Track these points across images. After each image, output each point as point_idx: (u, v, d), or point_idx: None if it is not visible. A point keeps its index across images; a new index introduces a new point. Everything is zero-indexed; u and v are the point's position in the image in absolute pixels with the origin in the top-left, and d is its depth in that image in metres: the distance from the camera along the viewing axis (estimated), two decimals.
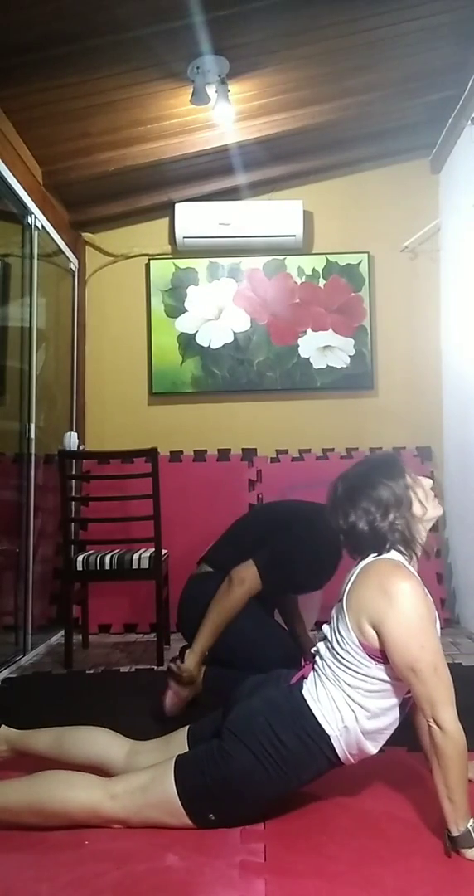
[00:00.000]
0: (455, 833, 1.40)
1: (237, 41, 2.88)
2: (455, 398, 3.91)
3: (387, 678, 1.53)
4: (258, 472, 4.05)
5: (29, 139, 3.32)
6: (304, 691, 1.59)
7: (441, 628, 1.62)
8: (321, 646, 1.65)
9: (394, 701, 1.55)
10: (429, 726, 1.43)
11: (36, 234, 3.49)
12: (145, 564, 3.13)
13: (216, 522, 3.75)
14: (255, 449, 4.12)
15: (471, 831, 1.39)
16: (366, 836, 1.49)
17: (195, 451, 4.12)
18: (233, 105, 3.17)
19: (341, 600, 1.61)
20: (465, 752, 1.43)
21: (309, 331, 4.17)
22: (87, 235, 4.22)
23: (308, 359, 4.16)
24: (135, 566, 3.13)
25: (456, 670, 2.36)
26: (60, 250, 3.90)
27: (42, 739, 1.75)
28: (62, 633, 3.37)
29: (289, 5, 2.72)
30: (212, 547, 2.58)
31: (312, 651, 1.68)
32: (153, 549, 3.14)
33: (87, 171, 3.65)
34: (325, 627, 1.66)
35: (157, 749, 1.71)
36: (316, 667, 1.63)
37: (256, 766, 1.51)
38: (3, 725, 1.81)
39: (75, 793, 1.53)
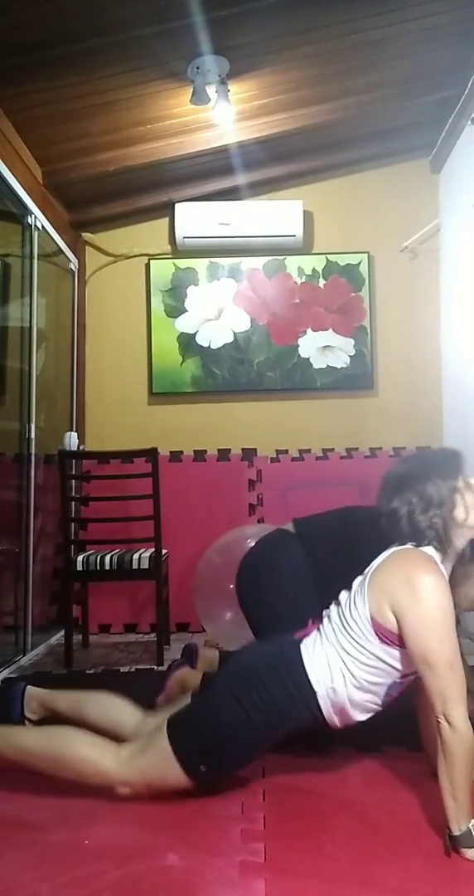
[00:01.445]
0: (456, 832, 1.40)
1: (237, 41, 2.88)
2: (455, 398, 3.91)
3: (385, 659, 1.57)
4: (258, 472, 4.05)
5: (29, 139, 3.32)
6: (302, 646, 1.65)
7: None
8: (333, 609, 1.69)
9: (384, 682, 1.60)
10: (438, 722, 1.44)
11: (36, 234, 3.49)
12: (145, 564, 3.13)
13: (216, 522, 3.78)
14: (255, 449, 4.12)
15: (472, 830, 1.40)
16: (366, 836, 1.49)
17: (195, 451, 4.12)
18: (233, 105, 3.17)
19: (365, 575, 1.64)
20: (472, 752, 1.43)
21: (309, 331, 4.17)
22: (87, 235, 4.22)
23: (308, 359, 4.16)
24: (135, 566, 3.13)
25: None
26: (60, 250, 3.90)
27: (64, 699, 1.92)
28: (62, 633, 3.37)
29: (289, 5, 2.72)
30: (312, 518, 2.44)
31: (324, 613, 1.72)
32: (153, 549, 3.14)
33: (87, 171, 3.65)
34: (343, 594, 1.69)
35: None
36: (321, 628, 1.68)
37: (240, 713, 1.59)
38: (28, 686, 1.98)
39: (89, 750, 1.65)
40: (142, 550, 3.17)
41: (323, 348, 4.16)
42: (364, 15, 2.86)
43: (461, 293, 3.76)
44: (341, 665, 1.60)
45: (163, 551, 3.24)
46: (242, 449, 4.11)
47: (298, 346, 4.16)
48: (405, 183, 4.21)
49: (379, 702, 1.63)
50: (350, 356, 4.16)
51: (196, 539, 3.68)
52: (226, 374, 4.16)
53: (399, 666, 1.57)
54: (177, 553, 3.63)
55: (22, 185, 3.25)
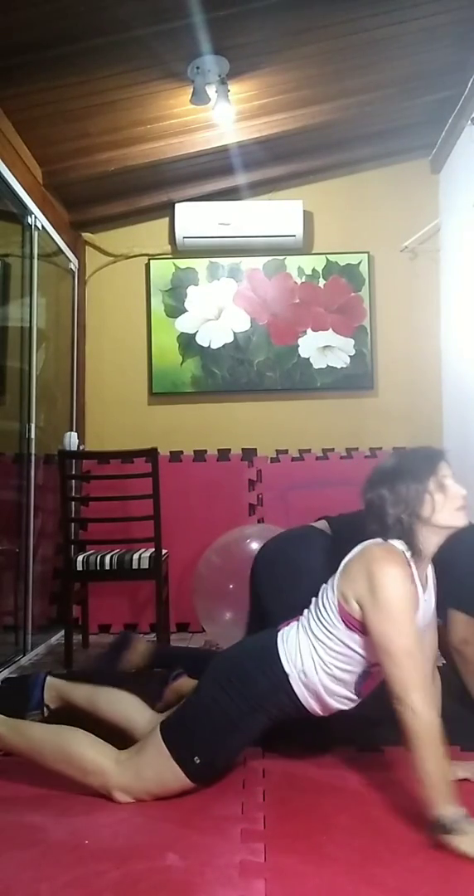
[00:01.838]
0: (439, 817, 1.40)
1: (237, 41, 2.88)
2: (455, 398, 3.91)
3: (350, 645, 1.62)
4: (258, 472, 4.05)
5: (29, 139, 3.32)
6: (280, 633, 1.73)
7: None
8: (313, 600, 1.75)
9: (353, 670, 1.65)
10: (401, 712, 1.48)
11: (36, 234, 3.49)
12: (145, 564, 3.13)
13: (216, 522, 3.78)
14: (255, 449, 4.12)
15: (454, 817, 1.39)
16: (366, 836, 1.49)
17: (195, 451, 4.12)
18: (233, 105, 3.17)
19: (340, 565, 1.70)
20: (438, 735, 1.46)
21: (309, 331, 4.17)
22: (87, 235, 4.22)
23: (308, 359, 4.16)
24: (135, 566, 3.13)
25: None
26: (60, 250, 3.90)
27: (81, 691, 1.99)
28: (62, 633, 3.37)
29: (289, 5, 2.72)
30: (347, 517, 2.38)
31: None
32: (153, 549, 3.14)
33: (87, 171, 3.65)
34: (323, 585, 1.75)
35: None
36: (300, 618, 1.75)
37: (226, 701, 1.65)
38: (49, 676, 2.06)
39: (92, 750, 1.70)
40: (142, 550, 3.17)
41: (323, 348, 4.16)
42: (364, 15, 2.86)
43: (461, 293, 3.76)
44: (311, 650, 1.66)
45: (163, 551, 3.24)
46: (242, 449, 4.11)
47: (298, 346, 4.16)
48: (405, 183, 4.21)
49: (353, 691, 1.68)
50: (350, 356, 4.16)
51: (196, 539, 3.68)
52: (226, 374, 4.16)
53: (363, 653, 1.62)
54: (177, 553, 3.64)
55: (22, 185, 3.25)
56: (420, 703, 1.46)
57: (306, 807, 1.65)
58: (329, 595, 1.68)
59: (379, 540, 1.67)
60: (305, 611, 1.77)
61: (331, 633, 1.64)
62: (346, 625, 1.62)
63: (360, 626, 1.60)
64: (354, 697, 1.70)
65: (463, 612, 2.10)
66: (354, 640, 1.62)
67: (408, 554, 1.64)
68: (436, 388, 4.12)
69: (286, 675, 1.66)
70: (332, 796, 1.70)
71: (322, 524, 2.34)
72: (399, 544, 1.65)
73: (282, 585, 2.16)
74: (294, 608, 2.00)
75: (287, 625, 1.77)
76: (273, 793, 1.73)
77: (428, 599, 1.71)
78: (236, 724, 1.67)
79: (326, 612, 1.67)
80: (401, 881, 1.34)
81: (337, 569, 2.10)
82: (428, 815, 1.43)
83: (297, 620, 1.76)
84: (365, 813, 1.60)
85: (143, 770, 1.65)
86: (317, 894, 1.30)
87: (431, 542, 1.66)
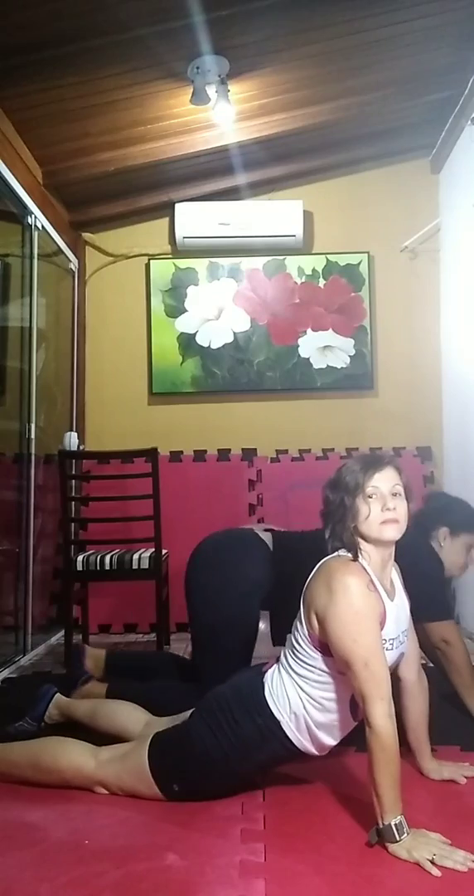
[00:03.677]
0: (380, 825, 1.43)
1: (237, 41, 2.88)
2: (455, 398, 3.91)
3: (330, 671, 1.58)
4: (258, 472, 4.05)
5: (29, 139, 3.32)
6: (265, 678, 1.68)
7: None
8: (289, 637, 1.72)
9: (340, 697, 1.60)
10: (366, 723, 1.47)
11: (36, 234, 3.49)
12: (145, 564, 3.13)
13: (216, 522, 3.76)
14: (255, 449, 4.12)
15: (393, 827, 1.41)
16: (366, 836, 1.49)
17: (195, 451, 4.12)
18: (233, 105, 3.17)
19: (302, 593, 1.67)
20: (393, 749, 1.45)
21: (309, 331, 4.17)
22: (87, 235, 4.22)
23: (308, 359, 4.16)
24: (135, 566, 3.13)
25: None
26: (60, 250, 3.90)
27: (82, 708, 2.05)
28: (62, 633, 3.37)
29: (289, 5, 2.72)
30: (292, 534, 2.43)
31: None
32: (153, 549, 3.14)
33: (87, 171, 3.65)
34: (295, 622, 1.71)
35: (170, 724, 1.79)
36: (279, 657, 1.71)
37: (213, 742, 1.62)
38: (57, 692, 2.11)
39: (67, 753, 1.74)
40: (142, 550, 3.17)
41: (323, 348, 4.16)
42: (364, 15, 2.86)
43: (461, 293, 3.76)
44: (296, 688, 1.61)
45: (163, 551, 3.23)
46: (242, 449, 4.11)
47: (298, 346, 4.16)
48: (405, 183, 4.21)
49: (348, 717, 1.63)
50: (350, 356, 4.16)
51: (196, 539, 3.64)
52: (226, 374, 4.16)
53: (345, 679, 1.57)
54: (177, 553, 3.62)
55: (22, 185, 3.25)
56: (377, 716, 1.44)
57: (306, 807, 1.65)
58: (299, 627, 1.64)
59: (335, 554, 1.64)
60: (283, 650, 1.72)
61: (309, 665, 1.60)
62: (322, 651, 1.58)
63: (326, 651, 1.58)
64: (352, 723, 1.65)
65: (433, 620, 2.13)
66: (333, 665, 1.58)
67: (364, 562, 1.61)
68: (436, 388, 4.12)
69: (277, 722, 1.61)
70: (332, 796, 1.70)
71: (267, 536, 2.36)
72: (345, 553, 1.63)
73: (213, 582, 2.20)
74: (218, 600, 2.12)
75: (269, 667, 1.72)
76: (273, 793, 1.73)
77: (399, 605, 1.68)
78: (222, 768, 1.64)
79: (300, 644, 1.62)
80: (401, 881, 1.34)
81: (268, 581, 2.11)
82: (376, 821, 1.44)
83: (277, 662, 1.72)
84: (365, 813, 1.60)
85: (123, 776, 1.68)
86: (316, 894, 1.30)
87: (373, 552, 1.62)
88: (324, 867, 1.39)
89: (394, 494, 1.60)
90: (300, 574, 1.84)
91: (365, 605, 1.53)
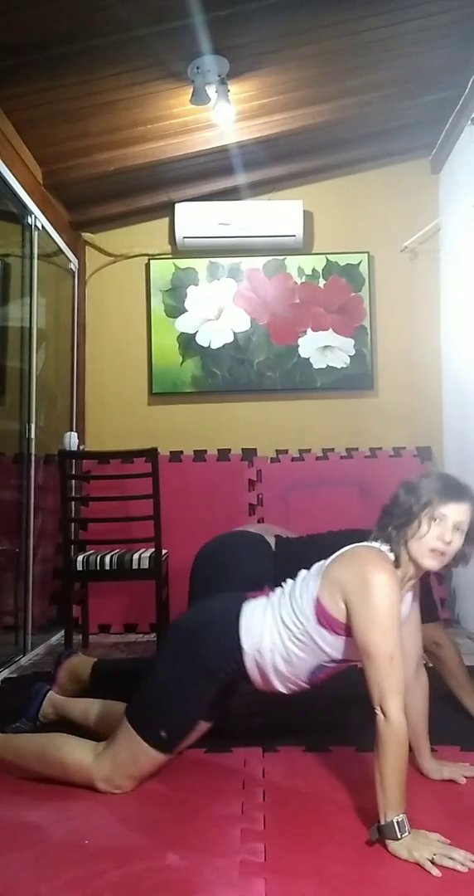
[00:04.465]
0: (382, 822, 1.43)
1: (237, 41, 2.88)
2: (455, 398, 3.91)
3: (316, 640, 1.63)
4: (258, 472, 4.05)
5: (29, 139, 3.32)
6: (246, 603, 1.75)
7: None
8: (289, 583, 1.77)
9: (310, 660, 1.66)
10: (375, 714, 1.49)
11: (36, 234, 3.49)
12: (145, 564, 3.13)
13: (216, 522, 3.76)
14: (255, 449, 4.12)
15: (395, 824, 1.42)
16: (366, 836, 1.49)
17: (195, 451, 4.12)
18: (233, 105, 3.17)
19: (325, 562, 1.70)
20: (405, 744, 1.47)
21: (309, 331, 4.17)
22: (87, 235, 4.22)
23: (308, 359, 4.16)
24: (135, 566, 3.13)
25: None
26: (60, 250, 3.90)
27: (77, 708, 2.06)
28: (62, 633, 3.37)
29: (289, 5, 2.72)
30: (295, 540, 2.45)
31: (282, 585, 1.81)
32: (153, 549, 3.14)
33: (87, 171, 3.65)
34: (302, 572, 1.76)
35: None
36: (271, 595, 1.77)
37: (178, 668, 1.69)
38: (50, 690, 2.13)
39: (71, 747, 1.76)
40: (142, 550, 3.17)
41: (323, 348, 4.16)
42: (364, 15, 2.86)
43: (461, 293, 3.76)
44: (275, 634, 1.67)
45: (163, 551, 3.24)
46: (242, 449, 4.11)
47: (298, 346, 4.16)
48: (405, 183, 4.21)
49: (304, 679, 1.70)
50: (350, 356, 4.16)
51: (196, 539, 3.64)
52: (226, 374, 4.16)
53: (328, 650, 1.64)
54: (177, 553, 3.62)
55: (22, 185, 3.25)
56: (394, 710, 1.47)
57: (306, 807, 1.65)
58: (309, 586, 1.67)
59: (367, 543, 1.67)
60: (277, 590, 1.78)
61: (300, 623, 1.64)
62: (319, 620, 1.61)
63: (336, 627, 1.60)
64: (304, 685, 1.73)
65: (424, 623, 2.13)
66: (322, 636, 1.62)
67: (393, 557, 1.64)
68: (436, 388, 4.12)
69: (241, 649, 1.68)
70: (332, 796, 1.70)
71: (270, 539, 2.37)
72: (386, 549, 1.64)
73: (215, 587, 2.15)
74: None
75: (254, 597, 1.78)
76: (273, 793, 1.73)
77: (407, 601, 1.71)
78: (191, 689, 1.70)
79: (301, 601, 1.66)
80: (401, 881, 1.34)
81: (270, 584, 2.13)
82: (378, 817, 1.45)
83: (267, 596, 1.77)
84: (365, 813, 1.60)
85: (118, 756, 1.70)
86: (316, 894, 1.30)
87: (407, 566, 1.64)
88: (324, 867, 1.39)
89: (457, 529, 1.60)
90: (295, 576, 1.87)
91: (397, 603, 1.56)
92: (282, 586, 1.80)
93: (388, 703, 1.47)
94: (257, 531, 2.51)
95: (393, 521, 1.63)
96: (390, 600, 1.54)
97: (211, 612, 1.79)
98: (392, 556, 1.63)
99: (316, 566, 1.73)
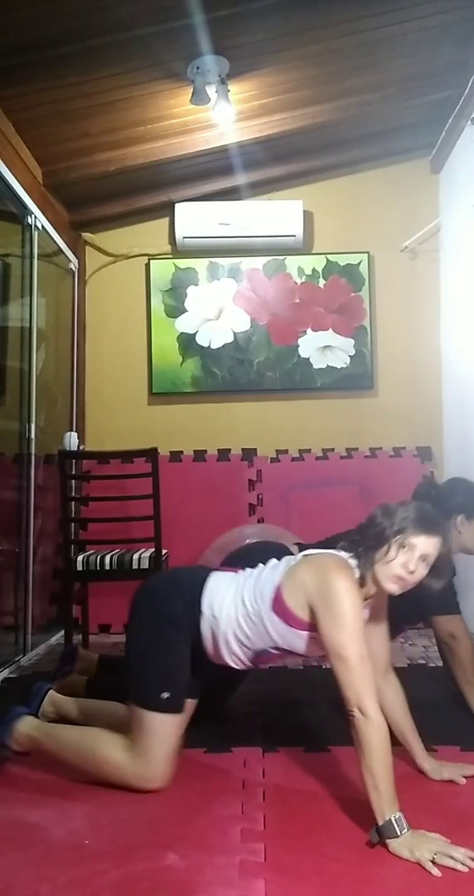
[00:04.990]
0: (380, 822, 1.44)
1: (237, 41, 2.88)
2: (455, 398, 3.91)
3: (267, 625, 1.70)
4: (258, 472, 4.05)
5: (29, 139, 3.32)
6: (212, 575, 1.83)
7: None
8: (261, 564, 1.85)
9: (257, 643, 1.74)
10: (353, 716, 1.51)
11: (36, 234, 3.49)
12: (145, 564, 3.13)
13: (216, 522, 3.78)
14: (255, 449, 4.12)
15: (394, 822, 1.43)
16: (366, 836, 1.49)
17: (195, 451, 4.12)
18: (233, 105, 3.17)
19: (294, 558, 1.78)
20: (388, 740, 1.50)
21: (309, 331, 4.17)
22: (87, 235, 4.22)
23: (308, 359, 4.16)
24: (135, 566, 3.13)
25: None
26: (60, 250, 3.90)
27: (79, 708, 2.07)
28: (62, 633, 3.37)
29: (289, 5, 2.72)
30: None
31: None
32: (153, 549, 3.14)
33: (87, 171, 3.64)
34: (273, 560, 1.83)
35: None
36: (240, 571, 1.85)
37: (151, 630, 1.76)
38: (51, 689, 2.13)
39: (113, 749, 1.75)
40: (143, 550, 3.17)
41: (323, 348, 4.16)
42: (364, 15, 2.86)
43: (461, 293, 3.76)
44: (233, 610, 1.74)
45: (164, 551, 3.24)
46: (242, 449, 4.11)
47: (298, 346, 4.16)
48: (405, 183, 4.21)
49: (250, 658, 1.78)
50: (350, 356, 4.16)
51: (196, 539, 3.68)
52: (226, 374, 4.16)
53: (275, 636, 1.71)
54: (177, 553, 3.63)
55: (22, 185, 3.25)
56: (372, 707, 1.50)
57: (306, 807, 1.65)
58: (274, 575, 1.74)
59: (334, 552, 1.73)
60: (248, 570, 1.84)
61: (256, 605, 1.72)
62: (274, 607, 1.69)
63: (288, 616, 1.67)
64: (248, 664, 1.79)
65: (440, 614, 2.20)
66: (273, 622, 1.69)
67: (356, 573, 1.68)
68: (436, 388, 4.12)
69: (200, 613, 1.75)
70: (332, 796, 1.70)
71: (294, 549, 2.36)
72: (349, 558, 1.70)
73: None
74: None
75: (223, 571, 1.88)
76: (273, 793, 1.73)
77: (364, 614, 1.74)
78: (166, 641, 1.76)
79: (263, 585, 1.74)
80: (401, 881, 1.34)
81: None
82: (375, 819, 1.45)
83: (235, 572, 1.84)
84: (365, 813, 1.60)
85: (142, 740, 1.71)
86: (316, 894, 1.30)
87: (372, 586, 1.69)
88: (324, 867, 1.39)
89: (423, 560, 1.65)
90: None
91: (360, 607, 1.63)
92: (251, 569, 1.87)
93: (365, 701, 1.50)
94: (264, 536, 2.51)
95: (365, 541, 1.69)
96: (354, 604, 1.60)
97: (178, 575, 1.94)
98: (357, 571, 1.68)
99: (285, 559, 1.81)
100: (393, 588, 1.66)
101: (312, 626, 1.66)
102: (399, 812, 1.44)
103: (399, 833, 1.42)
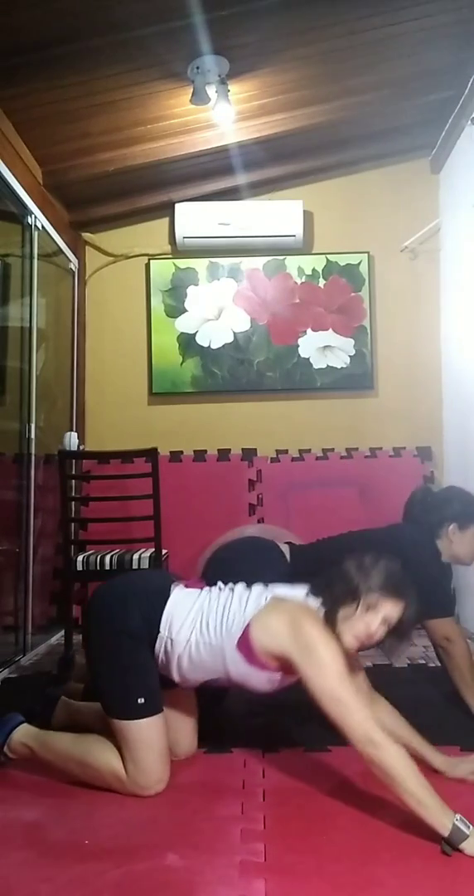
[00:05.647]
0: (445, 833, 1.40)
1: (237, 41, 2.88)
2: (455, 398, 3.91)
3: (226, 657, 1.69)
4: (258, 472, 4.05)
5: (29, 139, 3.32)
6: (178, 587, 1.82)
7: None
8: (229, 588, 1.83)
9: (210, 671, 1.73)
10: (366, 754, 1.49)
11: (36, 234, 3.49)
12: (145, 564, 3.13)
13: (216, 522, 3.78)
14: (255, 449, 4.12)
15: (458, 825, 1.40)
16: (366, 836, 1.49)
17: (195, 451, 4.12)
18: (233, 105, 3.17)
19: (265, 596, 1.76)
20: (407, 755, 1.49)
21: (309, 331, 4.17)
22: (87, 235, 4.22)
23: (308, 359, 4.16)
24: (135, 566, 3.12)
25: None
26: (60, 250, 3.90)
27: (91, 712, 2.01)
28: (62, 633, 3.37)
29: (289, 5, 2.72)
30: (307, 548, 2.46)
31: (220, 584, 1.86)
32: (153, 549, 3.14)
33: (87, 171, 3.65)
34: (240, 588, 1.81)
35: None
36: (208, 590, 1.83)
37: (112, 641, 1.74)
38: (63, 697, 2.11)
39: (115, 759, 1.72)
40: (142, 550, 3.17)
41: (323, 348, 4.16)
42: (364, 15, 2.86)
43: (461, 293, 3.76)
44: (191, 634, 1.72)
45: (164, 551, 3.23)
46: (242, 449, 4.11)
47: (298, 346, 4.16)
48: (405, 183, 4.21)
49: (197, 680, 1.77)
50: (350, 356, 4.16)
51: (196, 539, 3.68)
52: (226, 374, 4.16)
53: (231, 670, 1.70)
54: (177, 553, 3.63)
55: (22, 185, 3.25)
56: (380, 736, 1.49)
57: (306, 807, 1.65)
58: (245, 609, 1.72)
59: (300, 600, 1.72)
60: (213, 589, 1.82)
61: (221, 640, 1.70)
62: (239, 646, 1.67)
63: (252, 658, 1.66)
64: (195, 685, 1.79)
65: (433, 618, 2.19)
66: (235, 660, 1.68)
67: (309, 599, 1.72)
68: (436, 387, 4.12)
69: (157, 631, 1.74)
70: (332, 796, 1.70)
71: (285, 548, 2.37)
72: (316, 604, 1.70)
73: None
74: None
75: (188, 587, 1.85)
76: (273, 793, 1.73)
77: None
78: (132, 648, 1.74)
79: (231, 619, 1.71)
80: (401, 881, 1.34)
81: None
82: (438, 833, 1.42)
83: (201, 589, 1.84)
84: (365, 813, 1.60)
85: (131, 752, 1.69)
86: (316, 894, 1.30)
87: (343, 639, 1.68)
88: (324, 867, 1.39)
89: (385, 623, 1.67)
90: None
91: (336, 644, 1.63)
92: (218, 586, 1.84)
93: (372, 732, 1.49)
94: (261, 535, 2.50)
95: (333, 592, 1.69)
96: (332, 647, 1.60)
97: (134, 585, 1.87)
98: (321, 617, 1.68)
99: (256, 590, 1.78)
100: (353, 645, 1.67)
101: (274, 669, 1.67)
102: (457, 814, 1.42)
103: (468, 833, 1.40)
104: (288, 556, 2.33)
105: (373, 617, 1.65)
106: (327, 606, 1.68)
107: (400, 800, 1.46)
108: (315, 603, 1.71)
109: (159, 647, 1.75)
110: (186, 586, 1.87)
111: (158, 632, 1.74)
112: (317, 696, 1.57)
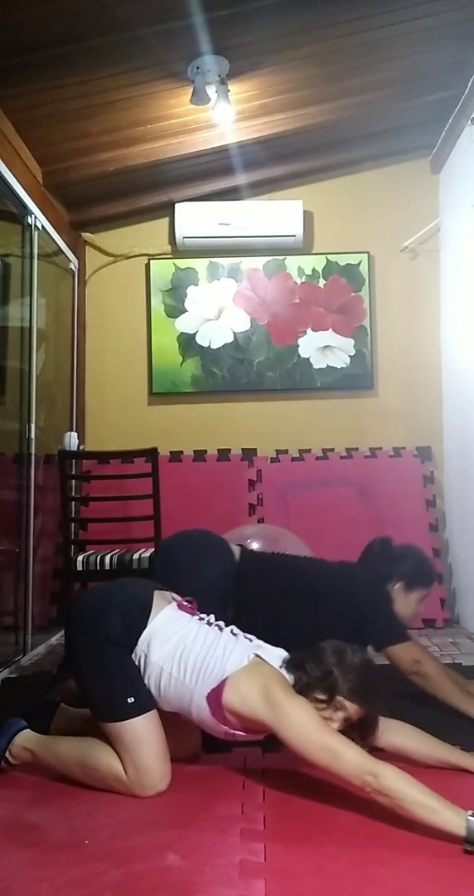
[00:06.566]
0: (462, 833, 1.39)
1: (237, 41, 2.88)
2: (455, 398, 3.91)
3: (193, 698, 1.68)
4: (258, 472, 4.05)
5: (29, 139, 3.32)
6: (170, 608, 1.81)
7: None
8: (219, 625, 1.82)
9: (174, 704, 1.73)
10: (371, 790, 1.47)
11: (36, 234, 3.49)
12: (145, 564, 3.12)
13: (216, 522, 3.75)
14: (255, 449, 4.12)
15: (471, 821, 1.39)
16: (366, 836, 1.49)
17: (195, 451, 4.12)
18: (233, 105, 3.17)
19: (250, 645, 1.75)
20: (404, 773, 1.47)
21: (309, 331, 4.17)
22: (87, 235, 4.22)
23: (308, 359, 4.16)
24: (135, 566, 3.12)
25: (456, 670, 2.36)
26: (60, 250, 3.90)
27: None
28: (62, 633, 3.37)
29: (289, 5, 2.72)
30: (259, 557, 2.47)
31: (214, 620, 1.84)
32: (153, 549, 3.14)
33: (87, 171, 3.65)
34: (229, 635, 1.78)
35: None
36: (201, 621, 1.81)
37: (97, 646, 1.74)
38: (62, 703, 2.07)
39: (115, 760, 1.71)
40: (142, 550, 3.17)
41: (323, 348, 4.16)
42: (364, 15, 2.86)
43: (461, 293, 3.76)
44: (166, 663, 1.72)
45: None
46: (242, 449, 4.11)
47: (298, 346, 4.16)
48: (405, 183, 4.21)
49: (160, 704, 1.74)
50: (350, 356, 4.16)
51: None
52: (226, 374, 4.16)
53: (194, 712, 1.70)
54: None
55: (22, 185, 3.25)
56: (375, 766, 1.48)
57: (306, 807, 1.65)
58: (222, 668, 1.69)
59: (274, 668, 1.69)
60: (204, 626, 1.80)
61: (193, 684, 1.68)
62: (208, 699, 1.66)
63: (219, 713, 1.65)
64: (157, 706, 1.75)
65: (395, 644, 2.14)
66: (200, 707, 1.67)
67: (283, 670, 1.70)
68: (436, 387, 4.12)
69: (136, 644, 1.74)
70: (332, 796, 1.70)
71: (236, 549, 2.36)
72: (290, 679, 1.69)
73: (180, 585, 2.08)
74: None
75: (182, 607, 1.85)
76: (273, 793, 1.72)
77: None
78: (115, 653, 1.74)
79: (210, 667, 1.69)
80: (401, 881, 1.34)
81: (227, 592, 2.14)
82: (455, 834, 1.41)
83: (191, 615, 1.83)
84: (365, 813, 1.60)
85: (128, 753, 1.68)
86: (316, 894, 1.30)
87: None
88: (323, 867, 1.38)
89: (346, 721, 1.66)
90: (260, 594, 2.02)
91: (307, 702, 1.62)
92: (207, 620, 1.83)
93: (367, 766, 1.48)
94: (259, 534, 2.52)
95: (308, 679, 1.67)
96: (302, 704, 1.60)
97: (116, 594, 1.87)
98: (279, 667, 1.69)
99: (242, 644, 1.76)
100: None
101: (235, 727, 1.67)
102: (468, 811, 1.41)
103: None
104: (237, 556, 2.32)
105: (337, 715, 1.66)
106: (297, 689, 1.66)
107: (411, 817, 1.44)
108: (289, 677, 1.69)
109: (134, 657, 1.75)
110: (179, 606, 1.85)
111: (137, 644, 1.75)
112: (302, 753, 1.56)
